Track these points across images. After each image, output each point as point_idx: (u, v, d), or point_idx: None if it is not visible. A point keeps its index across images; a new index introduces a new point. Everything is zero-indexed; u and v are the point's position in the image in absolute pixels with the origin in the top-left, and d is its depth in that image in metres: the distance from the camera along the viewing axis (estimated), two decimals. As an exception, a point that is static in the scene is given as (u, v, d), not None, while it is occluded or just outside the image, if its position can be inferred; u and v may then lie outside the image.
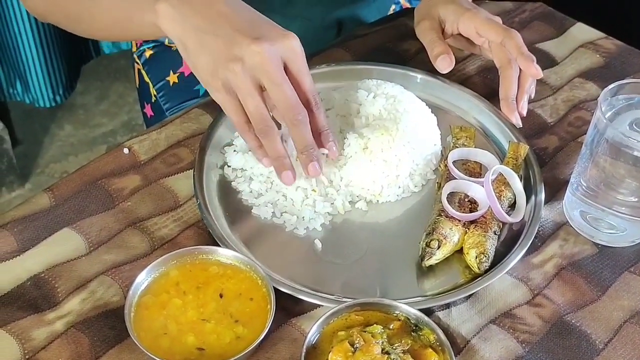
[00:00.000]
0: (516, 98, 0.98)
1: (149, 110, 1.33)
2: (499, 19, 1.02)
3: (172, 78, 1.26)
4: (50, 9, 1.00)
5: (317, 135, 0.86)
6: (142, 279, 0.78)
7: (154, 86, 1.28)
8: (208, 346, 0.74)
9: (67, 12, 0.98)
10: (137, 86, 1.35)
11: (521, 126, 0.97)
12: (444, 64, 0.99)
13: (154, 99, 1.29)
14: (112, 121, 2.45)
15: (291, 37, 0.81)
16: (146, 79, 1.30)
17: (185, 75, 1.26)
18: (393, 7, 1.30)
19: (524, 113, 0.99)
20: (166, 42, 1.25)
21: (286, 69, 0.81)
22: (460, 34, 1.04)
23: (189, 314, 0.76)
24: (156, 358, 0.72)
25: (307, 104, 0.83)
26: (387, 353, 0.72)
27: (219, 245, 0.83)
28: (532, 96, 1.00)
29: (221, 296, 0.77)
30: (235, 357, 0.72)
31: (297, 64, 0.81)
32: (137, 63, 1.32)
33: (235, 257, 0.80)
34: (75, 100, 2.48)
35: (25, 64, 2.18)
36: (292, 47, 0.81)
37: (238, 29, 0.80)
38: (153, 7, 0.84)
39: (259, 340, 0.74)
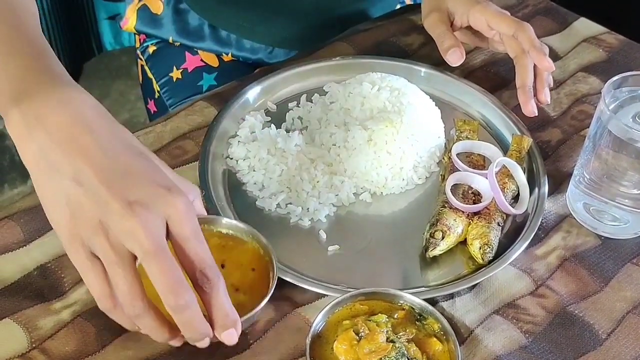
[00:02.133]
0: (536, 87, 0.97)
1: (152, 106, 1.33)
2: (507, 13, 1.02)
3: (176, 74, 1.27)
4: None
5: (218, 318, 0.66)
6: None
7: (157, 82, 1.29)
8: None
9: None
10: (141, 82, 1.35)
11: (537, 114, 0.97)
12: (455, 57, 1.00)
13: (157, 94, 1.30)
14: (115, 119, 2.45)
15: (175, 195, 0.62)
16: (149, 74, 1.31)
17: (189, 71, 1.26)
18: (398, 6, 1.30)
19: (548, 100, 0.98)
20: (170, 40, 1.26)
21: (170, 235, 0.63)
22: (468, 28, 1.04)
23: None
24: None
25: (195, 281, 0.64)
26: (392, 342, 0.73)
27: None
28: (552, 85, 0.99)
29: (223, 266, 0.76)
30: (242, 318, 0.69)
31: (182, 229, 0.62)
32: (141, 59, 1.33)
33: (237, 227, 0.78)
34: (78, 98, 2.48)
35: (27, 60, 2.18)
36: (175, 209, 0.62)
37: (106, 182, 0.61)
38: (6, 105, 0.65)
39: (260, 307, 0.71)
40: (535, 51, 0.95)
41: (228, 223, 0.78)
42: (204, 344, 0.66)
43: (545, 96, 0.97)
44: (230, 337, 0.65)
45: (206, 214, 0.77)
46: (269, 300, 0.80)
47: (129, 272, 0.61)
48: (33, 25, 0.74)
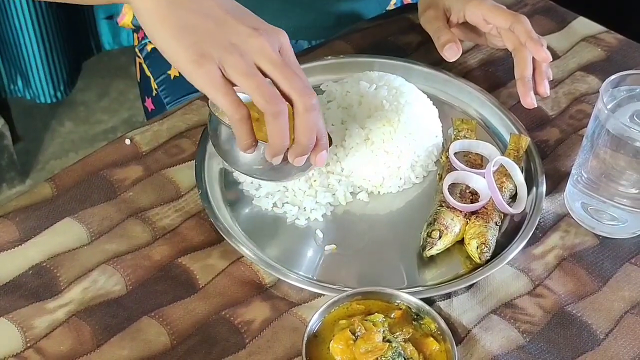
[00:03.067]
0: (535, 80, 0.97)
1: (149, 104, 1.33)
2: (503, 7, 1.01)
3: (173, 72, 1.26)
4: None
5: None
6: None
7: (155, 80, 1.29)
8: None
9: None
10: (139, 80, 1.35)
11: (536, 106, 0.96)
12: (451, 53, 0.99)
13: (154, 92, 1.29)
14: (113, 118, 2.45)
15: (283, 32, 0.77)
16: (147, 72, 1.30)
17: (187, 69, 1.26)
18: (394, 0, 1.30)
19: (548, 92, 0.97)
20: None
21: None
22: (465, 24, 1.04)
23: None
24: None
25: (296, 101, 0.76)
26: (388, 341, 0.72)
27: (219, 235, 0.83)
28: (551, 78, 0.99)
29: None
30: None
31: (290, 56, 0.77)
32: (139, 57, 1.32)
33: None
34: (76, 97, 2.48)
35: (26, 59, 2.18)
36: (286, 39, 0.77)
37: (231, 13, 0.75)
38: None
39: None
40: (532, 42, 0.95)
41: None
42: (277, 160, 0.76)
43: (545, 88, 0.97)
44: (322, 158, 0.77)
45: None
46: (265, 300, 0.80)
47: (261, 80, 0.73)
48: None
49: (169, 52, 0.75)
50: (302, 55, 1.09)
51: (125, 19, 1.29)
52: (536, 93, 0.96)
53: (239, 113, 0.73)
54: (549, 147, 0.99)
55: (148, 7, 0.75)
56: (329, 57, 1.06)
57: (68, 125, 2.41)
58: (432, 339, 0.74)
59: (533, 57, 0.97)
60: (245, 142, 0.76)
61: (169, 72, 1.26)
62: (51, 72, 2.24)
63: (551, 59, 0.96)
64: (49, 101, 2.31)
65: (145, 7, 0.75)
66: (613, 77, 0.85)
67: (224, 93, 0.73)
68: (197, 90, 1.22)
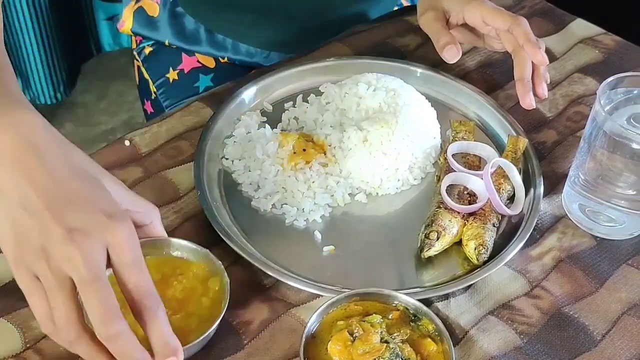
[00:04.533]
0: (533, 82, 0.97)
1: (149, 107, 1.33)
2: (502, 9, 1.02)
3: (172, 75, 1.27)
4: None
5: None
6: None
7: (153, 83, 1.29)
8: None
9: None
10: (137, 83, 1.35)
11: (535, 107, 0.96)
12: (451, 54, 0.99)
13: (153, 95, 1.30)
14: (113, 119, 2.45)
15: (116, 222, 0.62)
16: (146, 75, 1.31)
17: (185, 72, 1.26)
18: (395, 8, 1.30)
19: (546, 94, 0.98)
20: (166, 43, 1.26)
21: (111, 263, 0.63)
22: (464, 26, 1.04)
23: None
24: None
25: (135, 308, 0.64)
26: (386, 342, 0.73)
27: (218, 236, 0.83)
28: (549, 81, 0.99)
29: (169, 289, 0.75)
30: (186, 346, 0.70)
31: (121, 256, 0.62)
32: (137, 60, 1.33)
33: (188, 247, 0.77)
34: (76, 99, 2.48)
35: (26, 60, 2.18)
36: (115, 236, 0.62)
37: (49, 207, 0.62)
38: None
39: (209, 332, 0.72)
40: (530, 45, 0.95)
41: (178, 244, 0.78)
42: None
43: (543, 90, 0.97)
44: None
45: (166, 235, 0.77)
46: (264, 301, 0.80)
47: (67, 297, 0.61)
48: None
49: None
50: (300, 58, 1.09)
51: (125, 26, 1.29)
52: (534, 95, 0.97)
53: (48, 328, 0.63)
54: (546, 149, 0.99)
55: None
56: (327, 59, 1.06)
57: (68, 126, 2.41)
58: (429, 340, 0.74)
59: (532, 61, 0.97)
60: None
61: (167, 75, 1.27)
62: (51, 73, 2.24)
63: (548, 62, 0.96)
64: (48, 102, 2.31)
65: None
66: (610, 79, 0.86)
67: (36, 300, 0.64)
68: (197, 94, 1.24)
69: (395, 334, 0.74)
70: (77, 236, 0.61)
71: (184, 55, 1.26)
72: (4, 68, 0.70)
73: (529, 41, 0.96)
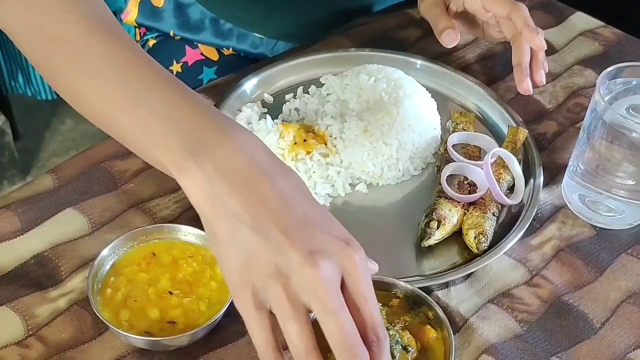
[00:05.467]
0: (532, 68, 0.98)
1: (152, 101, 1.33)
2: None
3: (176, 67, 1.27)
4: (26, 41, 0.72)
5: None
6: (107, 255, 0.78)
7: (157, 76, 1.29)
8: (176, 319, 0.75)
9: (51, 65, 0.71)
10: (141, 76, 1.35)
11: (531, 93, 0.98)
12: (449, 39, 1.00)
13: (156, 89, 1.29)
14: (114, 116, 2.46)
15: (354, 247, 0.61)
16: (149, 69, 1.30)
17: (189, 64, 1.26)
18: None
19: (544, 81, 0.99)
20: (171, 33, 1.26)
21: (344, 289, 0.60)
22: (464, 13, 1.04)
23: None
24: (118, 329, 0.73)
25: (365, 338, 0.60)
26: (386, 329, 0.73)
27: None
28: (547, 69, 1.00)
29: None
30: (193, 331, 0.73)
31: (358, 285, 0.60)
32: (140, 53, 1.33)
33: (197, 234, 0.80)
34: (77, 95, 2.48)
35: (27, 57, 2.18)
36: (354, 263, 0.60)
37: (286, 231, 0.59)
38: (179, 160, 0.63)
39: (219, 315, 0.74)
40: (528, 30, 0.96)
41: (187, 230, 0.80)
42: None
43: (541, 77, 0.98)
44: None
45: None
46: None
47: (305, 327, 0.59)
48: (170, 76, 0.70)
49: (220, 261, 0.64)
50: (302, 49, 1.10)
51: (129, 17, 1.29)
52: (532, 81, 0.97)
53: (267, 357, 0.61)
54: (546, 140, 1.00)
55: (205, 209, 0.63)
56: (328, 51, 1.07)
57: (69, 122, 2.42)
58: (429, 327, 0.75)
59: (531, 48, 0.98)
60: None
61: (171, 68, 1.27)
62: (52, 69, 2.24)
63: (545, 47, 0.97)
64: (50, 98, 2.31)
65: (202, 209, 0.63)
66: (610, 69, 0.86)
67: (258, 328, 0.61)
68: (200, 86, 1.23)
69: (395, 321, 0.74)
70: (319, 259, 0.58)
71: (187, 48, 1.26)
72: (202, 99, 0.68)
73: (527, 26, 0.96)
